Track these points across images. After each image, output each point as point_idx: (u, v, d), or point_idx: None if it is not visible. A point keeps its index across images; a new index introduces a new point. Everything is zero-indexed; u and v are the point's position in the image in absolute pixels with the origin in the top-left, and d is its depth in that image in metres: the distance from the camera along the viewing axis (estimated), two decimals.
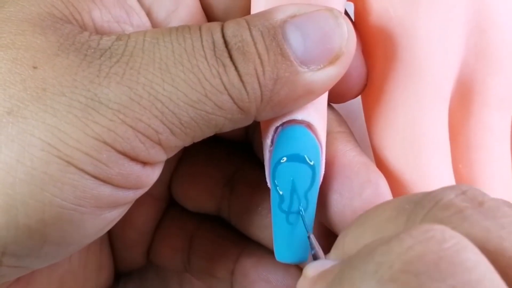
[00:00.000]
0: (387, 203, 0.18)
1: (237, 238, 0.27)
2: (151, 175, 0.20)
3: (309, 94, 0.20)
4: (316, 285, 0.17)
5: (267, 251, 0.26)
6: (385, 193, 0.21)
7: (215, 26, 0.19)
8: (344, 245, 0.18)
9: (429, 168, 0.23)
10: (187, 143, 0.20)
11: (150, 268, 0.30)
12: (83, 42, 0.19)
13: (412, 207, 0.16)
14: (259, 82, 0.19)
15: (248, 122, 0.20)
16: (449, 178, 0.23)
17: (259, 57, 0.19)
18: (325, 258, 0.20)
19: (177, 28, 0.19)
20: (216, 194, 0.27)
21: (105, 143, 0.18)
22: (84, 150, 0.18)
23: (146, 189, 0.20)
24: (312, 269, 0.18)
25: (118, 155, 0.18)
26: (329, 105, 0.24)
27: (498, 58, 0.24)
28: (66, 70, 0.18)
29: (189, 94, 0.19)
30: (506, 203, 0.16)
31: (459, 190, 0.16)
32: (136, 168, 0.19)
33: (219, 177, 0.27)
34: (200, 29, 0.19)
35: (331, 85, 0.21)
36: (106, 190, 0.19)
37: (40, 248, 0.19)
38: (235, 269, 0.26)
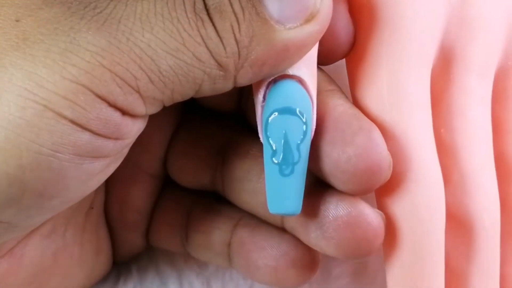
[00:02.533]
0: None
1: (232, 210, 0.26)
2: (131, 127, 0.20)
3: (287, 52, 0.20)
4: None
5: (261, 221, 0.26)
6: (378, 139, 0.21)
7: None
8: None
9: (409, 125, 0.23)
10: (166, 97, 0.20)
11: (151, 267, 0.30)
12: None
13: None
14: (235, 38, 0.19)
15: (228, 84, 0.20)
16: (428, 137, 0.23)
17: (235, 16, 0.19)
18: None
19: None
20: (209, 167, 0.27)
21: (82, 85, 0.18)
22: (61, 93, 0.18)
23: (126, 142, 0.20)
24: None
25: (95, 98, 0.18)
26: (318, 68, 0.24)
27: (479, 26, 0.25)
28: (49, 21, 0.19)
29: (168, 42, 0.19)
30: None
31: None
32: (115, 115, 0.19)
33: (211, 151, 0.27)
34: None
35: (310, 43, 0.21)
36: (84, 137, 0.19)
37: (21, 197, 0.18)
38: (232, 240, 0.26)
